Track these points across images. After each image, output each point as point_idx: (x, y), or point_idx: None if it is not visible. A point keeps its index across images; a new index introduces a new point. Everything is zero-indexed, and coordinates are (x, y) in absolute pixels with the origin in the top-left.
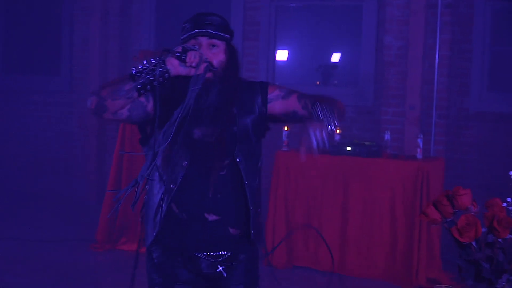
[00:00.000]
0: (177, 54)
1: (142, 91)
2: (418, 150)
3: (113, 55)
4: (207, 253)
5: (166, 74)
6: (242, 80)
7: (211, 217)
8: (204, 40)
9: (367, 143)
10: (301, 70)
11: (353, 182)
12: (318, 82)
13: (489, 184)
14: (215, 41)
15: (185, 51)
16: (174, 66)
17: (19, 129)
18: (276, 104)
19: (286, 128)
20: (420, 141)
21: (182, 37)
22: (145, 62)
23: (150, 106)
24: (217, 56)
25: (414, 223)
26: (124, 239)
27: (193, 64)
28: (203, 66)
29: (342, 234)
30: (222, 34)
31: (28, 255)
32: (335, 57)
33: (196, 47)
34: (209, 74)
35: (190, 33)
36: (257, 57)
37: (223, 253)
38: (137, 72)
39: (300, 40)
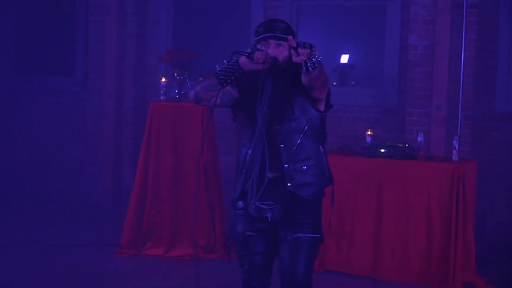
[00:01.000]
0: (246, 54)
1: (224, 84)
2: (454, 152)
3: (130, 55)
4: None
5: (241, 70)
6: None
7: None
8: (272, 41)
9: (400, 144)
10: None
11: (387, 185)
12: (335, 83)
13: None
14: (280, 42)
15: (253, 51)
16: (245, 63)
17: (31, 130)
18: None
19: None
20: (456, 143)
21: (256, 38)
22: (225, 62)
23: (235, 93)
24: (282, 53)
25: (451, 227)
26: (150, 244)
27: (260, 61)
28: (268, 62)
29: (376, 238)
30: (286, 36)
31: (49, 260)
32: (344, 58)
33: (263, 47)
34: (274, 68)
35: (261, 36)
36: None
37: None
38: (219, 71)
39: (321, 40)
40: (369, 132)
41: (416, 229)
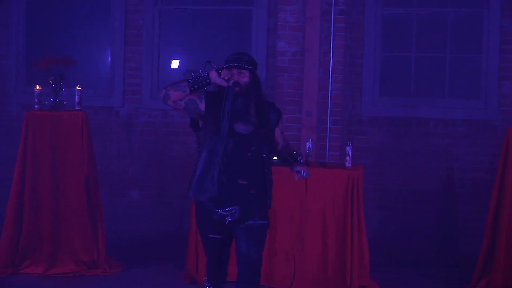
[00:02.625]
0: (216, 67)
1: (192, 88)
2: (348, 158)
3: None
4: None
5: (208, 80)
6: (264, 99)
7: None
8: (235, 69)
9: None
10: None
11: (280, 193)
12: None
13: (384, 188)
14: (242, 70)
15: (221, 68)
16: (214, 76)
17: None
18: (277, 130)
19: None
20: (349, 149)
21: (225, 66)
22: (201, 71)
23: (202, 105)
24: (242, 78)
25: (346, 232)
26: (28, 262)
27: (225, 78)
28: (232, 81)
29: (272, 246)
30: (246, 66)
31: None
32: (174, 63)
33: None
34: (237, 89)
35: (227, 65)
36: (140, 62)
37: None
38: (190, 78)
39: (185, 45)
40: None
41: (314, 236)
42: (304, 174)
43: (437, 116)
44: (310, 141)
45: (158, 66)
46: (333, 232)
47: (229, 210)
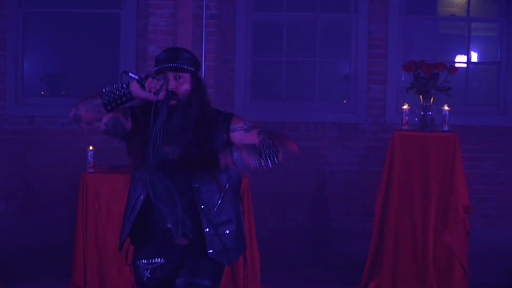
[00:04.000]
0: (137, 78)
1: (108, 107)
2: None
3: None
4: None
5: (129, 95)
6: (210, 108)
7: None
8: (170, 73)
9: None
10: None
11: None
12: (43, 92)
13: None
14: (180, 73)
15: (146, 77)
16: (135, 89)
17: None
18: (238, 134)
19: (91, 148)
20: None
21: (154, 69)
22: (115, 85)
23: (128, 124)
24: (182, 85)
25: None
26: None
27: (153, 90)
28: (162, 93)
29: None
30: (186, 67)
31: None
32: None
33: (161, 77)
34: (173, 102)
35: (157, 68)
36: (5, 68)
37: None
38: (104, 91)
39: (56, 50)
40: (90, 148)
41: None
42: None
43: (308, 120)
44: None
45: (23, 71)
46: None
47: (152, 262)
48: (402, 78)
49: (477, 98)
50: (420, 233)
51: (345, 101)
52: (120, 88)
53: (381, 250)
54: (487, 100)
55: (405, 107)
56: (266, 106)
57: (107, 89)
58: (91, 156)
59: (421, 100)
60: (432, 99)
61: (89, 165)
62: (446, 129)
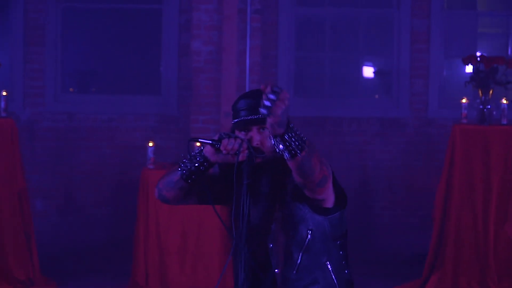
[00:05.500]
0: (210, 142)
1: (189, 180)
2: None
3: None
4: None
5: (206, 163)
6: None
7: None
8: (253, 127)
9: None
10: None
11: None
12: (71, 89)
13: None
14: (265, 125)
15: (220, 138)
16: (211, 154)
17: None
18: None
19: (151, 144)
20: None
21: (232, 122)
22: (189, 155)
23: (218, 192)
24: (268, 139)
25: None
26: None
27: (231, 152)
28: (243, 153)
29: (227, 256)
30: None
31: None
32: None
33: (242, 134)
34: (258, 160)
35: (236, 120)
36: (44, 64)
37: None
38: (182, 164)
39: (96, 46)
40: (150, 144)
41: None
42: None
43: (351, 115)
44: None
45: (62, 67)
46: None
47: None
48: (444, 73)
49: None
50: (481, 226)
51: (376, 96)
52: (193, 159)
53: (443, 243)
54: None
55: (464, 101)
56: (309, 101)
57: (184, 161)
58: (152, 152)
59: (480, 93)
60: (491, 92)
61: (149, 161)
62: (505, 122)
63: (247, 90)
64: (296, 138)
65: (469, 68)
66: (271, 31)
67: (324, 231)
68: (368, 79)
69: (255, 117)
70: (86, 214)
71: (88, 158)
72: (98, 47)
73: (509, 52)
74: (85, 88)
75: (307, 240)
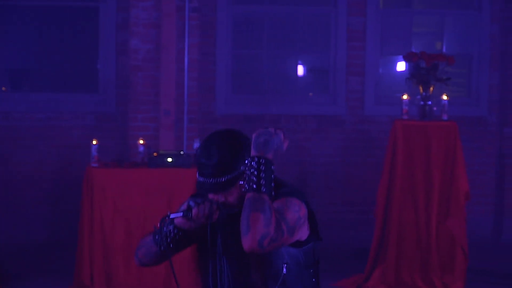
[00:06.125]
0: (181, 214)
1: (166, 250)
2: None
3: None
4: None
5: (180, 232)
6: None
7: None
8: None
9: (182, 152)
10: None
11: (178, 195)
12: (4, 88)
13: None
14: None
15: (189, 208)
16: (184, 224)
17: None
18: None
19: (94, 142)
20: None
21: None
22: (162, 228)
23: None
24: (232, 195)
25: None
26: None
27: (202, 219)
28: (216, 215)
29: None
30: (230, 178)
31: None
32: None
33: (203, 199)
34: (230, 212)
35: (199, 190)
36: None
37: None
38: (157, 236)
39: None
40: (94, 142)
41: None
42: None
43: (289, 112)
44: (198, 141)
45: None
46: None
47: None
48: (380, 71)
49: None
50: (423, 220)
51: (311, 94)
52: (168, 233)
53: (385, 237)
54: (458, 91)
55: (405, 97)
56: (247, 99)
57: (157, 237)
58: (95, 150)
59: (421, 90)
60: (431, 89)
61: (93, 159)
62: (446, 118)
63: (185, 87)
64: (258, 175)
65: (401, 65)
66: (209, 28)
67: (298, 261)
68: (305, 77)
69: (213, 191)
70: (25, 213)
71: (26, 157)
72: (34, 45)
73: (444, 50)
74: (20, 87)
75: (282, 274)
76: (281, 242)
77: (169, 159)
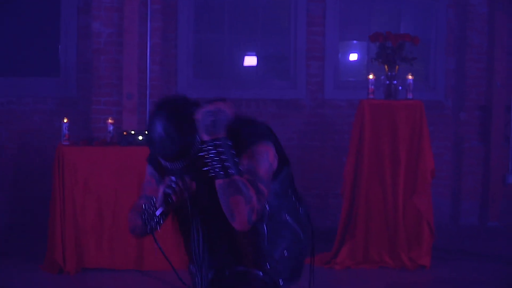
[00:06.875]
0: (162, 209)
1: (153, 230)
2: None
3: None
4: None
5: (164, 216)
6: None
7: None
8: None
9: None
10: None
11: None
12: None
13: None
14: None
15: (168, 196)
16: (167, 210)
17: None
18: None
19: (65, 120)
20: None
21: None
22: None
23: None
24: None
25: None
26: None
27: (183, 196)
28: (193, 185)
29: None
30: (193, 152)
31: None
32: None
33: (173, 182)
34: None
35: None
36: None
37: None
38: (142, 214)
39: None
40: (65, 120)
41: None
42: None
43: (249, 97)
44: None
45: None
46: None
47: None
48: (339, 56)
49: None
50: (390, 197)
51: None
52: (158, 222)
53: (353, 215)
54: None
55: (371, 76)
56: (209, 83)
57: (148, 228)
58: (66, 128)
59: (386, 69)
60: (397, 68)
61: (64, 138)
62: (411, 97)
63: (148, 71)
64: (220, 158)
65: (358, 51)
66: (171, 12)
67: (276, 193)
68: (266, 61)
69: (178, 167)
70: None
71: None
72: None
73: (401, 32)
74: None
75: (266, 211)
76: (265, 199)
77: (140, 137)
